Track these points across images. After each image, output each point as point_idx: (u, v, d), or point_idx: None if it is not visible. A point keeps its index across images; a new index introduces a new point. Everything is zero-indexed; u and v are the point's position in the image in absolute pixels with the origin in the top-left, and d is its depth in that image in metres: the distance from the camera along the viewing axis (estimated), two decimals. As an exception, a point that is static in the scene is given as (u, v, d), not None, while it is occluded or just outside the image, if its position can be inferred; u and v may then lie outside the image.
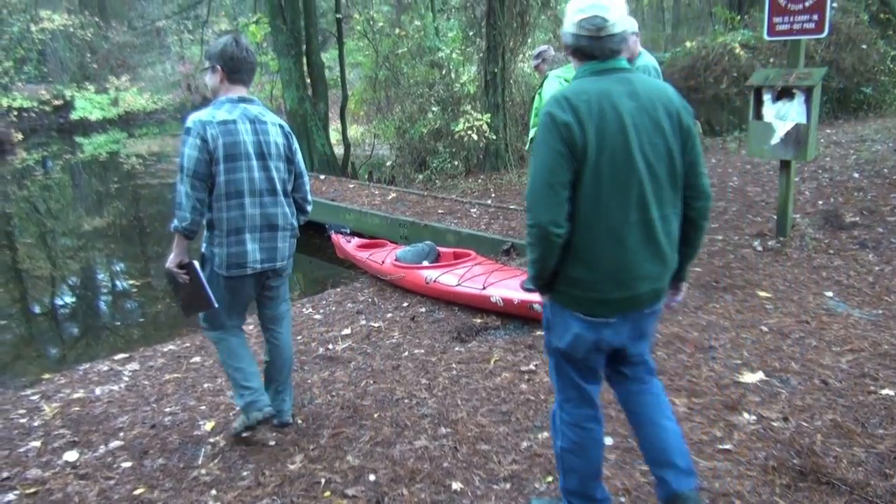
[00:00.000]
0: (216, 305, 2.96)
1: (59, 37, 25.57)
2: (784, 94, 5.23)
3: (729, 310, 4.38)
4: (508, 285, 4.58)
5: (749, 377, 3.45)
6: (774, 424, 3.00)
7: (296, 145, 3.13)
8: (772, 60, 10.75)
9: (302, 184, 3.19)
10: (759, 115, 5.41)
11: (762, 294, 4.60)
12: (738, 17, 12.48)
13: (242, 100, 2.95)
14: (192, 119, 2.84)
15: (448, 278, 4.95)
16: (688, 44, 12.05)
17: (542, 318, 2.25)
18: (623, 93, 1.95)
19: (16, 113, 24.41)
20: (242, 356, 3.12)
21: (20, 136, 22.90)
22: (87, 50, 26.95)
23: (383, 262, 5.72)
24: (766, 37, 5.47)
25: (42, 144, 23.81)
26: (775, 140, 5.31)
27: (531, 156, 2.02)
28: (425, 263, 5.54)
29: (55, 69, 27.30)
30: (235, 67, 2.91)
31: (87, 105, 27.00)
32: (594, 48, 1.97)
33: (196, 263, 2.97)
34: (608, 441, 2.95)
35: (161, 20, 19.34)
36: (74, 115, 26.80)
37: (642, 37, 14.47)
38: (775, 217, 5.89)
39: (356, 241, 6.66)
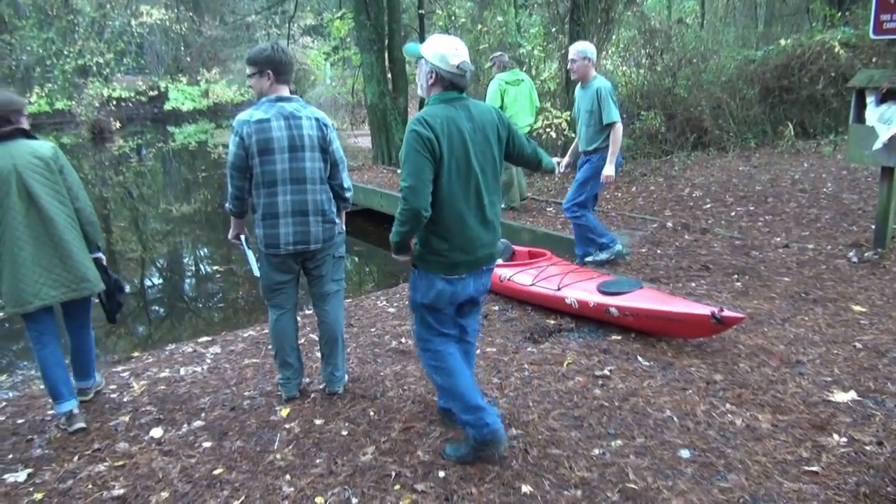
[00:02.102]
0: (256, 274, 3.49)
1: (157, 31, 26.87)
2: (889, 96, 4.91)
3: (819, 323, 4.15)
4: (584, 287, 4.49)
5: (840, 396, 3.26)
6: (867, 448, 2.82)
7: (331, 136, 3.35)
8: (874, 60, 10.11)
9: (337, 172, 3.40)
10: (860, 119, 5.10)
11: (856, 308, 4.35)
12: (838, 14, 11.79)
13: (280, 99, 3.25)
14: (236, 119, 3.23)
15: (522, 277, 4.91)
16: (782, 41, 11.48)
17: (409, 281, 2.94)
18: (464, 117, 2.70)
19: (115, 102, 25.86)
20: (283, 337, 3.51)
21: (118, 125, 24.25)
22: (182, 43, 28.21)
23: None
24: (871, 35, 5.13)
25: (137, 133, 25.13)
26: (878, 145, 4.99)
27: (402, 159, 2.65)
28: (499, 261, 5.51)
29: (152, 61, 28.76)
30: (282, 70, 3.24)
31: (180, 96, 28.34)
32: (461, 83, 2.72)
33: (242, 238, 3.56)
34: (685, 454, 2.86)
35: (251, 16, 20.00)
36: (168, 106, 28.18)
37: (732, 34, 13.86)
38: (873, 227, 5.55)
39: None
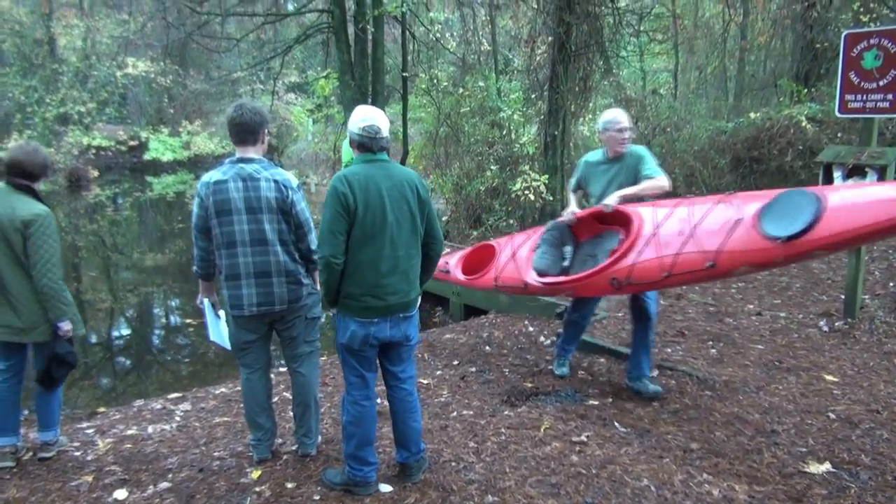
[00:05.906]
0: (211, 339, 3.55)
1: (141, 82, 27.02)
2: (855, 171, 5.11)
3: (793, 392, 4.19)
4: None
5: (815, 467, 3.27)
6: (843, 522, 2.82)
7: (294, 198, 3.26)
8: (839, 135, 10.53)
9: (303, 234, 3.33)
10: (828, 192, 5.27)
11: (829, 378, 4.40)
12: (805, 90, 12.32)
13: (241, 160, 3.24)
14: (200, 180, 3.26)
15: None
16: (752, 114, 11.93)
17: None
18: (382, 175, 2.97)
19: (94, 151, 25.74)
20: (253, 398, 3.46)
21: (96, 173, 24.08)
22: (166, 95, 28.37)
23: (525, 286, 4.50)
24: (837, 113, 5.38)
25: (115, 182, 24.99)
26: (845, 218, 5.15)
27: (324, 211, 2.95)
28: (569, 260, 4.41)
29: (134, 112, 28.80)
30: (234, 132, 3.25)
31: (160, 146, 28.31)
32: (371, 144, 3.00)
33: (206, 302, 3.51)
34: None
35: (237, 72, 20.26)
36: (147, 156, 28.11)
37: (704, 105, 14.33)
38: (843, 297, 5.67)
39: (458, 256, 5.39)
